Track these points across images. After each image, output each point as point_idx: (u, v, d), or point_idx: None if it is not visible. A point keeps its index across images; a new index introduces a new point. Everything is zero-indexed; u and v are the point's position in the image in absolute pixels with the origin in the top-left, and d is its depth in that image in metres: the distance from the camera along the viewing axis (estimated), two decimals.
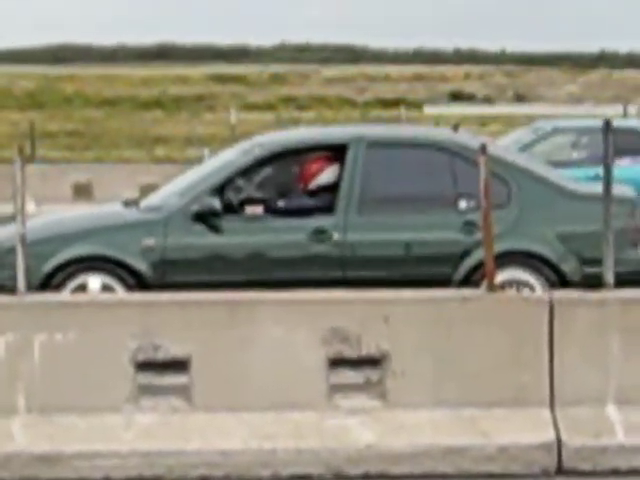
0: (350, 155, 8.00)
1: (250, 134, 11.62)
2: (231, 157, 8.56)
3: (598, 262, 6.37)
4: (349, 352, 5.65)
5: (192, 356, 5.59)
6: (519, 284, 7.77)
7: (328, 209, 8.06)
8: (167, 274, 7.72)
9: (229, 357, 5.68)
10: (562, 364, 5.68)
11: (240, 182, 8.32)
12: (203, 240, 7.97)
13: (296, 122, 28.95)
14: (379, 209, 8.11)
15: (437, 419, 5.69)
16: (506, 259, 7.79)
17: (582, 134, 14.93)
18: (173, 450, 5.54)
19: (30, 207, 7.16)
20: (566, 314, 5.70)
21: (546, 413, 5.72)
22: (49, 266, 7.81)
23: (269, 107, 45.30)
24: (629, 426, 5.65)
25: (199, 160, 12.37)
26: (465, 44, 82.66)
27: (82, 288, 7.79)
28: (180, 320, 5.73)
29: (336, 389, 5.74)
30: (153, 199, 8.57)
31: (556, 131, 15.51)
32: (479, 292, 6.04)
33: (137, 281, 7.72)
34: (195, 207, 7.95)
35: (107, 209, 9.17)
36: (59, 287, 7.71)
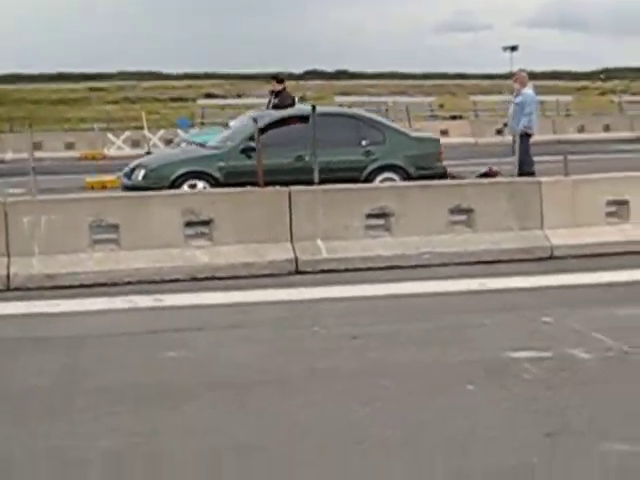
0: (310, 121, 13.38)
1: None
2: (245, 122, 14.69)
3: (423, 168, 13.75)
4: (195, 219, 9.93)
5: (120, 223, 9.70)
6: (389, 179, 13.87)
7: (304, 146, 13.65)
8: (229, 179, 12.88)
9: (139, 222, 9.77)
10: (296, 221, 10.08)
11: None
12: (245, 162, 13.32)
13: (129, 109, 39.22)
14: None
15: (238, 250, 9.90)
16: (385, 168, 14.06)
17: None
18: (111, 269, 9.55)
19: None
20: (296, 196, 10.19)
21: (289, 245, 10.04)
22: (174, 176, 13.48)
23: (116, 102, 71.78)
24: (328, 249, 10.08)
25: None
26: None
27: (192, 187, 13.39)
28: (113, 206, 9.92)
29: (189, 237, 9.99)
30: (211, 144, 14.49)
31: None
32: (255, 188, 10.88)
33: (215, 183, 13.14)
34: (242, 146, 13.60)
35: (193, 148, 15.39)
36: (179, 187, 13.27)
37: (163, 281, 9.67)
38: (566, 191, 10.96)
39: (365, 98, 48.40)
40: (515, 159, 17.96)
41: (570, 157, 19.74)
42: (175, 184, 13.53)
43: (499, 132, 28.57)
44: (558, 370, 6.55)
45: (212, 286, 9.51)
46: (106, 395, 6.16)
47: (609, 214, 11.11)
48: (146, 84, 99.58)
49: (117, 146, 28.35)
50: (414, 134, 15.59)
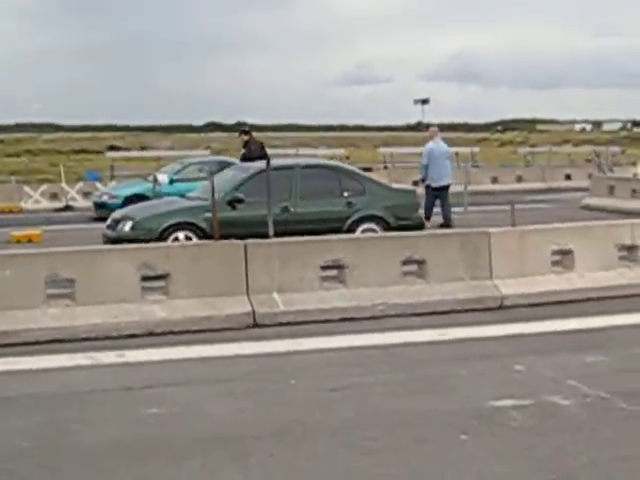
0: (294, 172, 14.22)
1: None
2: (233, 173, 14.77)
3: (402, 219, 14.09)
4: (151, 273, 9.88)
5: (75, 278, 9.58)
6: (371, 230, 14.14)
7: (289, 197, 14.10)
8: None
9: (94, 277, 9.67)
10: (252, 274, 10.11)
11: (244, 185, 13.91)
12: (230, 214, 13.29)
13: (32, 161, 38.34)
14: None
15: (195, 304, 9.84)
16: (366, 219, 14.32)
17: (201, 164, 24.78)
18: (68, 325, 9.39)
19: None
20: (252, 249, 10.21)
21: (245, 298, 10.04)
22: (162, 227, 13.47)
23: (17, 155, 63.80)
24: (284, 301, 10.09)
25: None
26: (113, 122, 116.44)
27: (176, 239, 13.37)
28: (68, 260, 9.76)
29: (145, 291, 9.90)
30: (192, 195, 14.64)
31: (191, 163, 25.24)
32: (211, 242, 10.87)
33: (203, 235, 12.95)
34: (228, 198, 13.62)
35: (177, 199, 15.11)
36: (166, 238, 13.25)
37: (120, 337, 9.54)
38: (514, 241, 11.23)
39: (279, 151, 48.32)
40: (443, 210, 18.46)
41: (492, 207, 20.27)
42: (163, 236, 13.53)
43: (415, 183, 29.06)
44: (543, 418, 6.70)
45: (172, 341, 9.43)
46: (97, 454, 6.08)
47: (554, 263, 11.40)
48: (46, 136, 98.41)
49: (34, 199, 27.92)
50: (391, 186, 15.83)
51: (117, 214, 15.14)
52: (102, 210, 23.70)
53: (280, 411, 6.97)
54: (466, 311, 10.62)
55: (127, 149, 76.06)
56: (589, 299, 11.17)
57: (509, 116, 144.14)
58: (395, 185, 16.44)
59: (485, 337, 9.42)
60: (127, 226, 14.08)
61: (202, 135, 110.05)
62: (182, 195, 15.59)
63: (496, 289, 10.94)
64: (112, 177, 32.35)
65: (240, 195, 13.86)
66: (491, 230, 11.24)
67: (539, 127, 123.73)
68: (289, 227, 12.81)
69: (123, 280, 9.88)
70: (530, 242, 11.31)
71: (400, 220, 14.48)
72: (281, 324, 10.09)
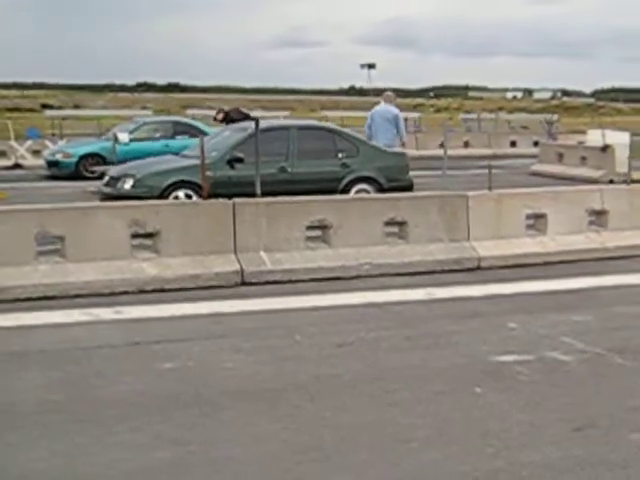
0: (291, 133, 14.32)
1: None
2: (230, 133, 14.93)
3: (393, 180, 14.31)
4: (141, 230, 9.93)
5: (65, 235, 9.61)
6: (364, 191, 14.37)
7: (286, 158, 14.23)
8: (216, 189, 12.07)
9: (85, 234, 9.68)
10: (240, 232, 10.24)
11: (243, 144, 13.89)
12: (230, 172, 13.58)
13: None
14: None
15: (184, 262, 9.97)
16: (358, 180, 14.54)
17: (156, 124, 25.13)
18: (60, 282, 9.43)
19: None
20: (240, 209, 10.33)
21: (234, 257, 10.18)
22: (164, 185, 13.61)
23: None
24: (272, 260, 10.29)
25: None
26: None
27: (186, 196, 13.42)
28: (58, 217, 9.72)
29: (135, 248, 9.98)
30: (188, 153, 14.72)
31: (145, 123, 25.20)
32: (199, 200, 10.96)
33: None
34: (228, 157, 13.77)
35: (177, 157, 15.12)
36: (167, 196, 13.33)
37: (113, 294, 9.61)
38: (491, 204, 11.51)
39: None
40: None
41: (450, 172, 20.54)
42: (164, 193, 13.61)
43: None
44: (548, 372, 6.99)
45: (164, 298, 9.52)
46: (128, 406, 6.19)
47: (528, 226, 11.73)
48: None
49: None
50: (383, 148, 15.82)
51: (115, 171, 15.07)
52: (55, 168, 23.60)
53: (294, 366, 7.15)
54: (445, 272, 10.91)
55: (60, 107, 75.31)
56: (561, 262, 11.53)
57: (441, 82, 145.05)
58: (385, 147, 16.39)
59: (471, 296, 9.69)
60: (128, 184, 14.07)
61: (135, 95, 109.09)
62: (176, 153, 15.85)
63: (473, 250, 11.23)
64: (59, 135, 32.07)
65: (240, 154, 13.88)
66: (469, 193, 11.51)
67: (471, 94, 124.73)
68: (286, 187, 13.04)
69: (113, 237, 9.93)
70: (506, 206, 11.60)
71: (391, 182, 14.72)
72: (268, 282, 10.24)
